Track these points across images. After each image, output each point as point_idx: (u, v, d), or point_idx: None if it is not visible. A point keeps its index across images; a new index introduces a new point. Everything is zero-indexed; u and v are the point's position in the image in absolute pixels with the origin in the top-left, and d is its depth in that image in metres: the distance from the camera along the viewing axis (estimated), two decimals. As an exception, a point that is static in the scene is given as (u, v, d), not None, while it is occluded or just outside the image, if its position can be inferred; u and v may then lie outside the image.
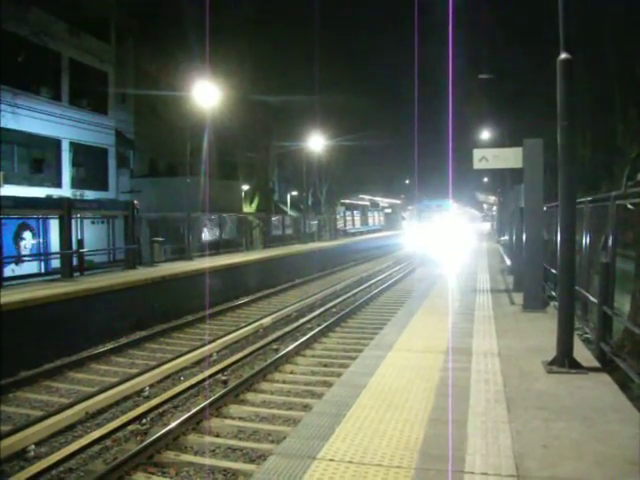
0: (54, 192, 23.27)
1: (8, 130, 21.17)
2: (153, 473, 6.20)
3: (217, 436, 7.20)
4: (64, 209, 14.87)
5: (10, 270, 16.03)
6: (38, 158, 24.49)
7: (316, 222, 38.99)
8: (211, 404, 7.90)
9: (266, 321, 13.79)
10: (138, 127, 30.90)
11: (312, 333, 12.19)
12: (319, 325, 13.18)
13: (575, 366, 5.54)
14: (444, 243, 29.13)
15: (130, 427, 7.36)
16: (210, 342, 11.53)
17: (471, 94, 29.90)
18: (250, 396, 8.67)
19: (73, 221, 15.97)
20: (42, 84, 24.18)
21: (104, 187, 27.90)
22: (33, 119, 22.36)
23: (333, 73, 33.65)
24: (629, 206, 6.69)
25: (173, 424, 7.15)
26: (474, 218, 63.51)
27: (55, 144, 24.85)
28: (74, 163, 26.10)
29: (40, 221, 18.53)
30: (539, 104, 16.62)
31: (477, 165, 9.86)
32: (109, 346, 11.69)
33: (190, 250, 20.64)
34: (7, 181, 19.82)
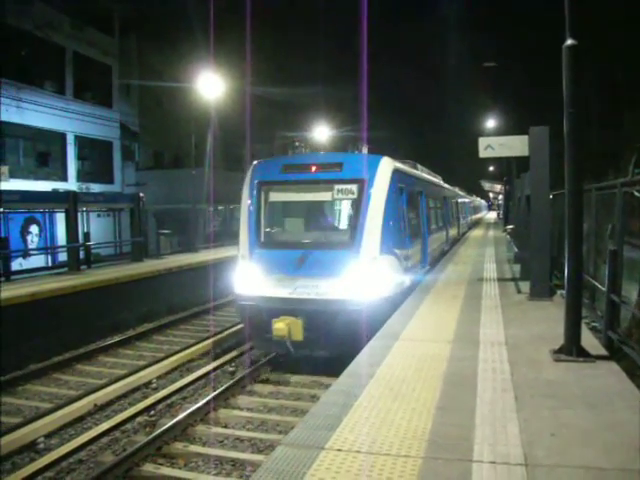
0: (60, 186, 23.28)
1: (13, 124, 21.21)
2: (162, 464, 6.25)
3: (225, 427, 7.24)
4: (70, 202, 14.88)
5: (18, 264, 16.14)
6: (43, 152, 24.49)
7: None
8: (219, 395, 7.94)
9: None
10: (143, 120, 30.84)
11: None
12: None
13: (582, 354, 5.50)
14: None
15: (139, 419, 7.42)
16: (217, 334, 11.56)
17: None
18: (258, 387, 8.71)
19: (79, 214, 16.01)
20: (46, 78, 24.10)
21: (110, 180, 27.92)
22: (38, 113, 22.37)
23: (341, 65, 33.54)
24: (636, 194, 6.65)
25: (181, 415, 7.19)
26: (477, 207, 44.85)
27: (60, 138, 24.84)
28: (79, 156, 26.10)
29: (47, 215, 18.62)
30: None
31: (483, 154, 9.77)
32: (117, 338, 11.76)
33: (196, 242, 20.67)
34: (13, 175, 19.81)
